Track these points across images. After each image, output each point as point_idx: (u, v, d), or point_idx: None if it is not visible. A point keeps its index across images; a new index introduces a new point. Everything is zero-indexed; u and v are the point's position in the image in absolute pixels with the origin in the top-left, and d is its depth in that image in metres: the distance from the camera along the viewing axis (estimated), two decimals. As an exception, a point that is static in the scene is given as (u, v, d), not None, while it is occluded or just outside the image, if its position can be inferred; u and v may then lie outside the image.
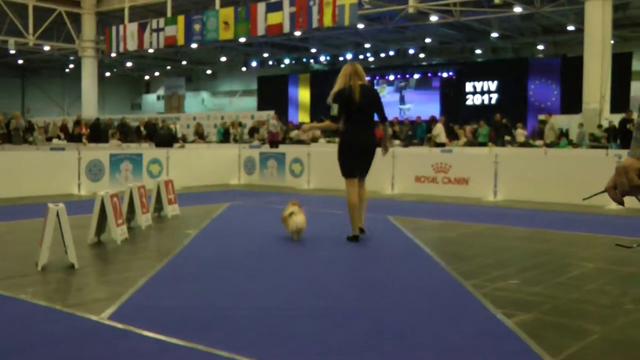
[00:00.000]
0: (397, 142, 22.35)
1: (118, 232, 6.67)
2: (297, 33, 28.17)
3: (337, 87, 7.01)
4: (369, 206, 9.99)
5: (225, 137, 27.12)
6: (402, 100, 37.90)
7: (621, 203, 2.13)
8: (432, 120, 24.17)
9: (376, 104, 7.09)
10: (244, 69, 42.62)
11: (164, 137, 20.16)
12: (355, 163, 6.97)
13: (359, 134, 6.93)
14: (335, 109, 6.88)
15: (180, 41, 29.20)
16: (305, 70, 41.95)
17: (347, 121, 6.93)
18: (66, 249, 5.42)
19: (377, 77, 38.78)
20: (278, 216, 7.50)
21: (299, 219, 6.94)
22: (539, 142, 22.08)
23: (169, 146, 17.78)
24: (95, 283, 5.29)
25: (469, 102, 35.52)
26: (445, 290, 4.87)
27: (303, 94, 40.88)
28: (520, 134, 22.99)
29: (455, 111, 33.04)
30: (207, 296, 4.58)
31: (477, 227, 8.36)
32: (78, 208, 8.75)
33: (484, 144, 21.69)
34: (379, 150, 7.23)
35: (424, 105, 35.53)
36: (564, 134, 23.12)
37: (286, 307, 4.30)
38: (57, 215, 5.35)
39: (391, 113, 34.52)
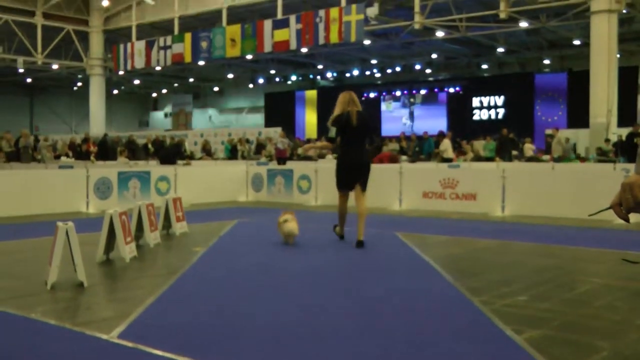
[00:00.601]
0: (404, 157, 22.34)
1: (127, 250, 6.69)
2: (304, 50, 28.32)
3: (336, 112, 7.97)
4: (376, 222, 10.07)
5: (232, 154, 27.21)
6: (411, 116, 37.93)
7: (627, 220, 2.15)
8: (440, 135, 24.18)
9: (369, 128, 8.22)
10: (250, 85, 42.85)
11: (168, 151, 20.22)
12: (349, 178, 7.98)
13: (354, 153, 7.96)
14: (333, 131, 8.03)
15: (188, 58, 29.43)
16: (312, 87, 42.09)
17: (344, 142, 7.97)
18: (75, 267, 5.44)
19: (384, 93, 38.89)
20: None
21: (291, 225, 7.90)
22: (546, 157, 22.04)
23: (173, 161, 17.78)
24: (104, 301, 5.31)
25: (475, 117, 35.56)
26: (454, 306, 4.86)
27: (310, 111, 41.00)
28: (528, 148, 22.94)
29: (462, 126, 33.05)
30: (216, 314, 4.59)
31: (485, 243, 8.35)
32: (86, 226, 8.77)
33: (490, 159, 21.67)
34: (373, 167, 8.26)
35: (430, 121, 35.55)
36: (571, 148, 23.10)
37: (295, 325, 4.31)
38: (67, 233, 5.38)
39: (398, 129, 34.56)
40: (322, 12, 24.62)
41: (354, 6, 23.86)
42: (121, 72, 33.52)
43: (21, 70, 34.47)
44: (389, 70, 36.90)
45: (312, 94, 41.44)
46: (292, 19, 25.51)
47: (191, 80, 43.00)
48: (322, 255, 7.41)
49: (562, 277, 6.04)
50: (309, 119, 40.86)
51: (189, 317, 4.48)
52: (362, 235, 7.75)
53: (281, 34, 25.86)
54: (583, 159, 21.00)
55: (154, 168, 15.19)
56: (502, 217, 11.45)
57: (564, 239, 8.70)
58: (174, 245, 8.25)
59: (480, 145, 24.29)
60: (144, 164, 20.62)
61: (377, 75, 38.39)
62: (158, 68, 32.03)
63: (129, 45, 31.53)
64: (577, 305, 4.88)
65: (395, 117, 38.20)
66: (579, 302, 5.02)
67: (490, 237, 8.87)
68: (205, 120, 47.45)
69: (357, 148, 7.96)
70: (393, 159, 19.80)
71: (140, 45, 30.98)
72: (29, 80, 41.58)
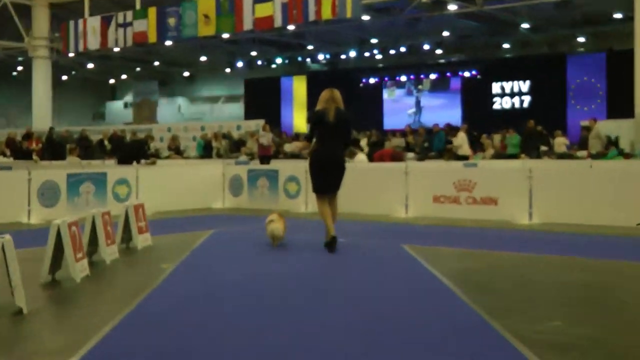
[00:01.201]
0: (410, 155, 22.33)
1: (77, 268, 6.63)
2: (291, 27, 28.27)
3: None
4: (378, 231, 10.15)
5: (206, 151, 27.13)
6: (418, 106, 37.96)
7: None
8: (449, 129, 24.05)
9: (346, 127, 8.84)
10: (228, 70, 42.81)
11: (128, 149, 20.09)
12: (323, 179, 8.74)
13: (328, 152, 8.68)
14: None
15: (152, 38, 29.27)
16: (301, 72, 42.09)
17: (319, 139, 8.72)
18: (13, 290, 5.37)
19: (386, 79, 38.91)
20: (270, 246, 8.71)
21: (274, 226, 8.64)
22: (581, 153, 22.05)
23: (133, 159, 17.66)
24: (49, 331, 5.24)
25: (496, 106, 35.61)
26: (472, 331, 4.83)
27: (299, 100, 40.96)
28: (560, 143, 22.94)
29: (479, 117, 33.08)
30: (185, 343, 4.54)
31: (508, 256, 8.35)
32: (28, 240, 8.73)
33: (514, 156, 21.66)
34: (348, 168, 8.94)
35: (441, 111, 35.60)
36: (612, 142, 23.06)
37: (282, 354, 4.26)
38: (2, 248, 5.31)
39: (402, 121, 34.56)
40: (312, -18, 24.60)
41: (349, -25, 23.85)
42: (71, 55, 33.31)
43: (-51, 53, 34.30)
44: (391, 52, 36.90)
45: (301, 80, 41.43)
46: (277, -10, 25.46)
47: (156, 64, 42.91)
48: (313, 271, 7.38)
49: (604, 297, 6.02)
50: (298, 109, 40.84)
51: (153, 348, 4.43)
52: (333, 231, 8.54)
53: (264, 9, 25.77)
54: (627, 155, 20.98)
55: (112, 169, 15.13)
56: (529, 225, 11.44)
57: (605, 252, 8.70)
58: (136, 261, 8.22)
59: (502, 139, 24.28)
60: (99, 164, 20.53)
61: (378, 57, 38.41)
62: (116, 49, 31.88)
63: (80, 22, 31.35)
64: (623, 332, 4.85)
65: (399, 107, 38.22)
66: (625, 326, 4.99)
67: (515, 249, 8.87)
68: (174, 112, 47.40)
69: (332, 146, 8.69)
70: (396, 157, 19.76)
71: (94, 22, 30.82)
72: (-43, 64, 41.38)
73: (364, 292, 6.36)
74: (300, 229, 10.35)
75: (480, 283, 6.72)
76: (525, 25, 31.60)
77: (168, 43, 30.76)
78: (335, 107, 8.63)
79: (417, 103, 38.21)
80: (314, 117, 8.84)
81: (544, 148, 23.02)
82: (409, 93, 38.57)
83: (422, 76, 38.11)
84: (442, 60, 38.54)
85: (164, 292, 6.24)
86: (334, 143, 8.70)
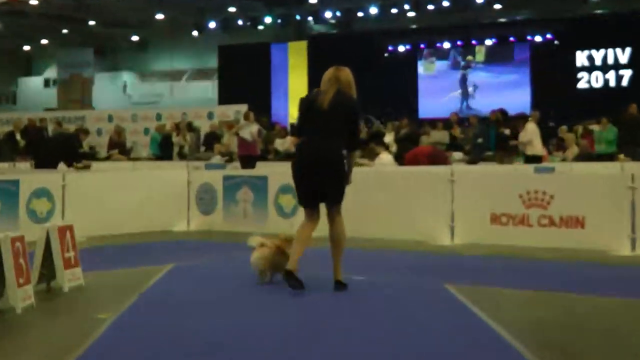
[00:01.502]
0: (457, 155, 22.28)
1: (-25, 318, 6.62)
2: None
3: None
4: (412, 265, 10.03)
5: (164, 150, 27.17)
6: (463, 84, 37.85)
7: None
8: (502, 117, 23.83)
9: (346, 115, 8.90)
10: (195, 33, 42.89)
11: (51, 147, 20.05)
12: (306, 185, 9.09)
13: (314, 148, 8.85)
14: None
15: (85, -13, 29.40)
16: (300, 36, 42.13)
17: (306, 132, 9.07)
18: None
19: (422, 46, 38.88)
20: (252, 285, 8.97)
21: (255, 256, 9.06)
22: None
23: (57, 161, 17.67)
24: None
25: (581, 85, 35.58)
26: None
27: (296, 76, 41.01)
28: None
29: (558, 101, 33.07)
30: None
31: (599, 302, 8.35)
32: None
33: (609, 157, 21.63)
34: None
35: (502, 92, 35.57)
36: None
37: None
38: None
39: (446, 107, 34.49)
40: None
41: None
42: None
43: None
44: (429, 7, 36.93)
45: (299, 48, 41.47)
46: None
47: (92, 24, 43.00)
48: (316, 325, 7.37)
49: None
50: (295, 88, 40.81)
51: None
52: (340, 274, 8.79)
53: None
54: None
55: (26, 175, 15.12)
56: (631, 257, 11.42)
57: None
58: (60, 309, 8.24)
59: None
60: (8, 168, 20.55)
61: (410, 15, 38.42)
62: (34, 3, 32.00)
63: (-17, -36, 31.52)
64: None
65: (441, 87, 38.22)
66: None
67: (610, 291, 8.85)
68: (117, 93, 47.53)
69: (322, 141, 8.82)
70: (437, 158, 19.71)
71: (2, -35, 30.98)
72: None
73: (389, 355, 6.33)
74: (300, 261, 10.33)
75: (558, 340, 6.73)
76: (622, -31, 31.60)
77: (109, -6, 30.86)
78: (336, 90, 8.82)
79: (466, 80, 38.18)
80: (303, 103, 9.17)
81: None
82: (455, 66, 38.57)
83: (473, 42, 38.10)
84: (502, 20, 38.52)
85: (100, 353, 6.23)
86: (325, 137, 8.80)
